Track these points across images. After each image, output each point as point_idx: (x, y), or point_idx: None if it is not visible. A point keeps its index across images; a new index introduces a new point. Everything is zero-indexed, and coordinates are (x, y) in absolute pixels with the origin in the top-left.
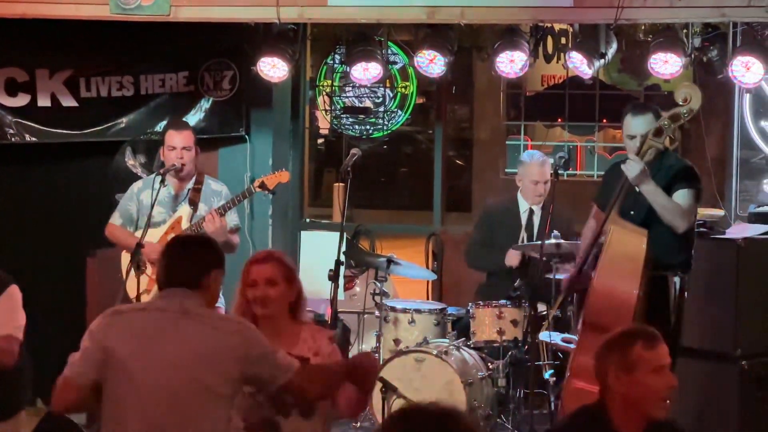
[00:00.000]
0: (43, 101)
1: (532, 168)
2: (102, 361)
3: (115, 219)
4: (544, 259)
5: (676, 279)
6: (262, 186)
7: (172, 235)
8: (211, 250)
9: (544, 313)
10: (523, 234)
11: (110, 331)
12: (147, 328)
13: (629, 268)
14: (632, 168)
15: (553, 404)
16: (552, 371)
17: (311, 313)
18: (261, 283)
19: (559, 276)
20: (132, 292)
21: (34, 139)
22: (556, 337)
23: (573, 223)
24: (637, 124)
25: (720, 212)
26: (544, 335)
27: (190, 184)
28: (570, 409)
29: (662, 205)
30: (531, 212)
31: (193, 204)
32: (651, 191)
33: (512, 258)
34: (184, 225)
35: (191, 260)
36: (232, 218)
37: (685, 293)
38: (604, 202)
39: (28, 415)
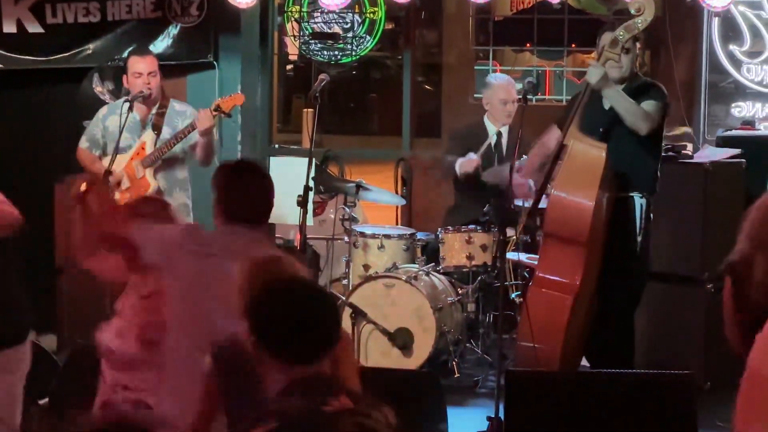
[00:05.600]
0: (9, 27)
1: (500, 89)
2: None
3: (82, 142)
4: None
5: (642, 201)
6: (218, 109)
7: (137, 160)
8: None
9: (514, 237)
10: (494, 155)
11: None
12: None
13: (587, 179)
14: (593, 72)
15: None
16: (519, 292)
17: (280, 239)
18: None
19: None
20: None
21: (0, 65)
22: (522, 256)
23: None
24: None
25: (687, 129)
26: (510, 254)
27: (155, 109)
28: (531, 313)
29: (624, 107)
30: (499, 135)
31: (157, 128)
32: (613, 93)
33: (466, 165)
34: (148, 150)
35: None
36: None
37: (651, 216)
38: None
39: None
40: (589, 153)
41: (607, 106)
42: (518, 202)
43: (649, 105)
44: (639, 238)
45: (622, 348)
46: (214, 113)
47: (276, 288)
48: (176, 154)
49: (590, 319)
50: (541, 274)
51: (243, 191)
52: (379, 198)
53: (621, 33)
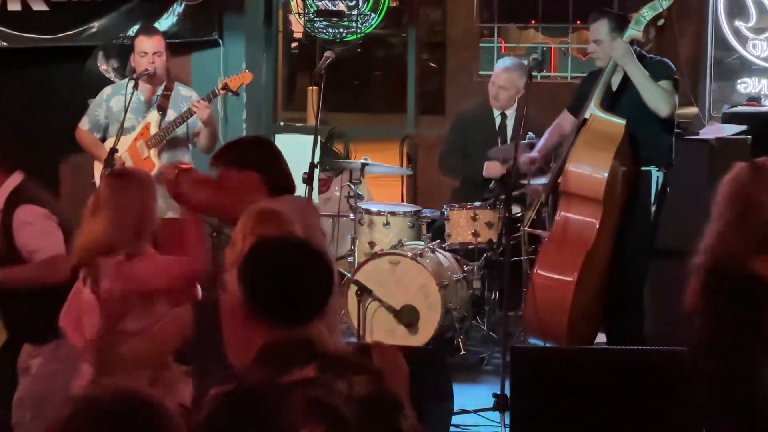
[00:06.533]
0: (13, 5)
1: (495, 70)
2: None
3: (83, 124)
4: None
5: (659, 174)
6: (225, 88)
7: (141, 141)
8: None
9: (519, 215)
10: (498, 137)
11: None
12: None
13: (605, 143)
14: (619, 47)
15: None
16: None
17: None
18: None
19: (535, 182)
20: None
21: (4, 43)
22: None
23: (546, 125)
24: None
25: (694, 110)
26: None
27: (160, 90)
28: (533, 297)
29: (647, 86)
30: (504, 116)
31: (162, 110)
32: (636, 70)
33: (492, 169)
34: (153, 131)
35: None
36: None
37: (667, 189)
38: (577, 108)
39: None
40: (609, 123)
41: (614, 87)
42: (526, 181)
43: (666, 85)
44: (653, 208)
45: (632, 317)
46: (222, 91)
47: (269, 244)
48: (179, 137)
49: (602, 293)
50: (556, 229)
51: (282, 163)
52: (386, 169)
53: (645, 12)
